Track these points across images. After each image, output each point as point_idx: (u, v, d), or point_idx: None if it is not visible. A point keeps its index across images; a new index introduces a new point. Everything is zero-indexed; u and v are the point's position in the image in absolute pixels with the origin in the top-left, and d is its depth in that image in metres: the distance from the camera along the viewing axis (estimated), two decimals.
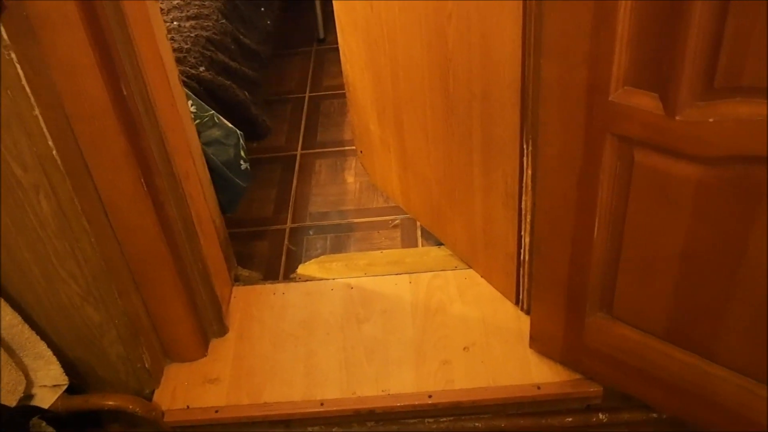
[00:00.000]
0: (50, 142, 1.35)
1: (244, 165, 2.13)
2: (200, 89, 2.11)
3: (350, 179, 2.54)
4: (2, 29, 1.20)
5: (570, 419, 1.72)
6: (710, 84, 1.10)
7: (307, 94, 3.04)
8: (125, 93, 1.45)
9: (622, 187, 1.32)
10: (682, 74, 1.11)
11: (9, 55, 1.23)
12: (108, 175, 1.50)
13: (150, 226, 1.60)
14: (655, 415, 1.70)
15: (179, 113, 1.70)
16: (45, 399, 1.61)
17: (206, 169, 1.90)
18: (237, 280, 2.08)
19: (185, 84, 1.98)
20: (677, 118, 1.15)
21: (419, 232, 2.25)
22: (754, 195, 1.16)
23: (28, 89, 1.28)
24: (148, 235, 1.62)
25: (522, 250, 1.73)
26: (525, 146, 1.53)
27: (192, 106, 1.95)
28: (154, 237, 1.63)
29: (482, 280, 1.96)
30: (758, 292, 1.25)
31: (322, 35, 3.38)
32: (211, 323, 1.87)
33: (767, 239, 1.19)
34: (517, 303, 1.87)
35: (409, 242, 2.25)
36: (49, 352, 1.61)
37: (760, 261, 1.21)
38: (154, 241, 1.63)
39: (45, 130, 1.34)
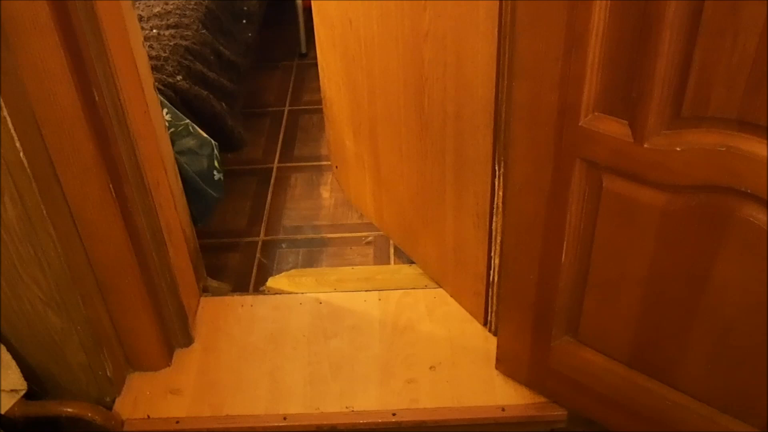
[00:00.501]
0: (17, 145, 1.33)
1: (217, 176, 2.11)
2: (176, 98, 2.10)
3: (326, 194, 2.54)
4: None
5: None
6: (678, 113, 1.11)
7: (286, 108, 3.04)
8: (97, 100, 1.43)
9: (590, 211, 1.33)
10: (651, 102, 1.12)
11: None
12: (76, 182, 1.49)
13: (117, 235, 1.59)
14: None
15: (152, 121, 1.69)
16: (2, 403, 1.58)
17: (178, 178, 1.89)
18: (206, 290, 2.06)
19: (161, 92, 1.97)
20: (645, 145, 1.16)
21: (392, 250, 2.25)
22: (718, 224, 1.17)
23: None
24: (115, 243, 1.60)
25: (492, 272, 1.73)
26: (497, 167, 1.54)
27: (167, 114, 1.94)
28: (121, 245, 1.61)
29: (452, 300, 1.95)
30: (720, 321, 1.26)
31: (304, 50, 3.39)
32: (176, 333, 1.85)
33: (730, 267, 1.20)
34: (485, 324, 1.87)
35: (381, 259, 2.24)
36: (8, 356, 1.58)
37: (723, 289, 1.22)
38: (121, 250, 1.62)
39: (13, 133, 1.32)
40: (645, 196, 1.23)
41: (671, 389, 1.42)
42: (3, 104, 1.29)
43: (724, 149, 1.09)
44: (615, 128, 1.19)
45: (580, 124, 1.22)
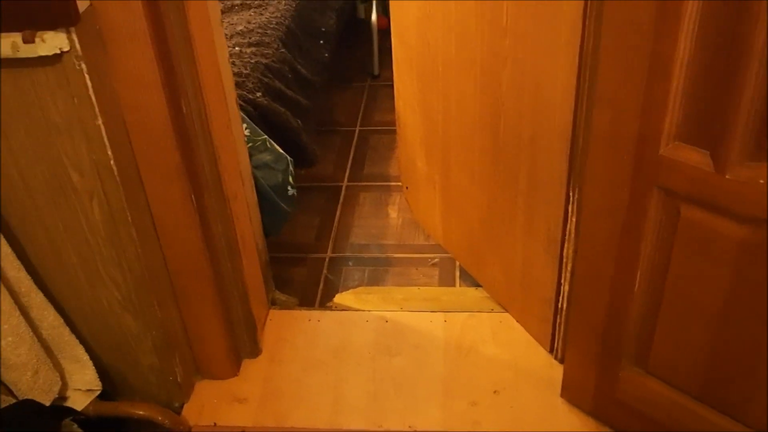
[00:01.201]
0: (109, 152, 1.39)
1: (291, 191, 2.16)
2: (255, 114, 2.15)
3: (393, 214, 2.56)
4: (75, 40, 1.25)
5: None
6: (762, 145, 1.10)
7: (357, 128, 3.08)
8: (184, 111, 1.49)
9: (665, 240, 1.31)
10: (735, 133, 1.11)
11: (80, 65, 1.28)
12: (159, 188, 1.55)
13: (195, 242, 1.64)
14: None
15: (233, 135, 1.75)
16: (78, 402, 1.63)
17: (254, 191, 1.94)
18: (274, 303, 2.10)
19: (241, 108, 2.03)
20: (727, 176, 1.15)
21: (457, 273, 2.25)
22: None
23: (93, 98, 1.32)
24: (192, 249, 1.65)
25: (560, 298, 1.72)
26: (571, 194, 1.54)
27: (246, 129, 1.99)
28: (198, 252, 1.66)
29: (517, 325, 1.95)
30: None
31: (377, 71, 3.43)
32: (244, 343, 1.89)
33: None
34: (551, 351, 1.86)
35: (446, 281, 2.24)
36: (86, 356, 1.64)
37: None
38: (197, 257, 1.67)
39: (105, 139, 1.38)
40: (724, 228, 1.21)
41: (740, 425, 1.39)
42: (98, 112, 1.35)
43: None
44: (696, 158, 1.18)
45: (660, 152, 1.22)
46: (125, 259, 1.54)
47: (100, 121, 1.35)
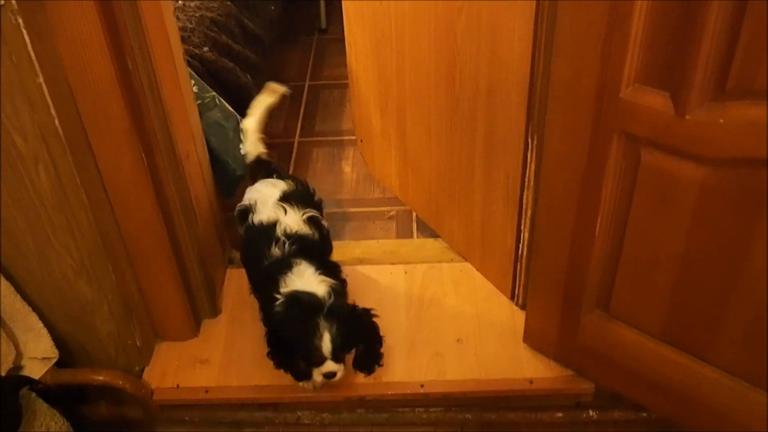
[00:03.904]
0: (53, 112, 1.33)
1: (243, 149, 2.11)
2: (203, 69, 2.10)
3: (347, 169, 2.53)
4: None
5: (560, 415, 1.73)
6: (722, 86, 1.10)
7: (306, 83, 3.03)
8: (131, 68, 1.43)
9: (626, 186, 1.32)
10: (695, 75, 1.11)
11: (16, 20, 1.22)
12: (109, 151, 1.49)
13: (148, 204, 1.60)
14: (644, 414, 1.70)
15: (182, 92, 1.69)
16: (34, 371, 1.59)
17: (206, 150, 1.89)
18: (231, 262, 2.07)
19: (188, 63, 1.96)
20: (687, 117, 1.15)
21: (415, 225, 2.25)
22: (758, 199, 1.16)
23: (33, 56, 1.26)
24: (146, 212, 1.61)
25: (520, 245, 1.73)
26: (530, 140, 1.53)
27: (194, 86, 1.93)
28: (152, 215, 1.62)
29: (478, 274, 1.96)
30: (758, 296, 1.25)
31: (324, 25, 3.37)
32: (203, 304, 1.87)
33: None
34: (512, 298, 1.87)
35: (404, 234, 2.24)
36: (40, 325, 1.60)
37: (762, 265, 1.22)
38: (151, 220, 1.62)
39: (48, 99, 1.32)
40: (684, 170, 1.22)
41: (703, 363, 1.42)
42: (39, 71, 1.29)
43: None
44: (656, 100, 1.18)
45: (620, 96, 1.21)
46: (76, 225, 1.50)
47: (41, 80, 1.29)
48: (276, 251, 1.65)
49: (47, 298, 1.61)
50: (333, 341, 1.51)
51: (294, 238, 1.67)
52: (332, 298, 1.53)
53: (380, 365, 1.66)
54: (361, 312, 1.59)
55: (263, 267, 1.66)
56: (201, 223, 1.79)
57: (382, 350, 1.66)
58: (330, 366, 1.55)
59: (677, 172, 1.23)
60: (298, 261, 1.62)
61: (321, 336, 1.50)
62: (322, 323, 1.50)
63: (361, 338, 1.60)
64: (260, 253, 1.68)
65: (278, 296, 1.56)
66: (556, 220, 1.47)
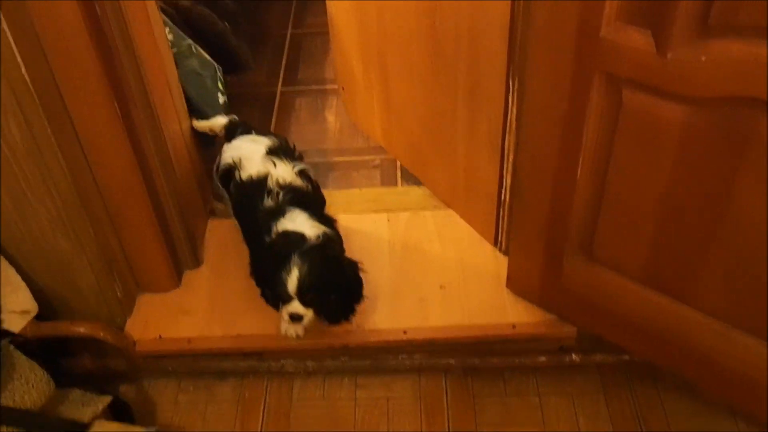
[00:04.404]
0: (19, 59, 1.30)
1: (221, 98, 2.08)
2: (178, 17, 2.05)
3: (330, 118, 2.50)
4: None
5: (543, 359, 1.74)
6: (704, 22, 1.07)
7: (289, 32, 2.98)
8: (99, 14, 1.39)
9: (607, 127, 1.30)
10: (676, 12, 1.08)
11: None
12: (82, 101, 1.46)
13: (124, 156, 1.57)
14: (627, 357, 1.71)
15: (156, 41, 1.65)
16: (14, 323, 1.58)
17: (183, 100, 1.86)
18: (212, 213, 2.05)
19: (162, 11, 1.91)
20: (669, 56, 1.12)
21: (399, 173, 2.23)
22: (741, 138, 1.15)
23: None
24: (122, 165, 1.59)
25: (503, 191, 1.72)
26: (511, 83, 1.51)
27: (169, 34, 1.89)
28: (128, 167, 1.59)
29: (461, 221, 1.95)
30: (740, 237, 1.25)
31: None
32: (185, 255, 1.85)
33: (751, 185, 1.18)
34: (495, 244, 1.87)
35: (388, 183, 2.22)
36: (18, 278, 1.58)
37: (745, 206, 1.21)
38: (128, 172, 1.60)
39: (14, 48, 1.28)
40: (666, 110, 1.20)
41: (684, 306, 1.42)
42: (2, 17, 1.25)
43: (752, 59, 1.06)
44: (637, 39, 1.15)
45: (600, 35, 1.18)
46: (51, 178, 1.47)
47: (4, 26, 1.24)
48: (269, 202, 1.64)
49: (25, 251, 1.59)
50: (300, 279, 1.49)
51: (287, 188, 1.66)
52: (319, 240, 1.51)
53: (348, 320, 1.64)
54: (345, 262, 1.58)
55: (257, 218, 1.65)
56: (180, 174, 1.77)
57: (357, 306, 1.64)
58: (295, 306, 1.53)
59: (659, 112, 1.21)
60: (291, 209, 1.61)
61: (290, 271, 1.48)
62: (295, 259, 1.48)
63: (337, 288, 1.58)
64: (253, 206, 1.67)
65: (267, 239, 1.55)
66: (538, 164, 1.45)
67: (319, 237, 1.53)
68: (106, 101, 1.47)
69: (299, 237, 1.53)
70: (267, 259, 1.55)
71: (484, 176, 1.74)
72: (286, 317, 1.56)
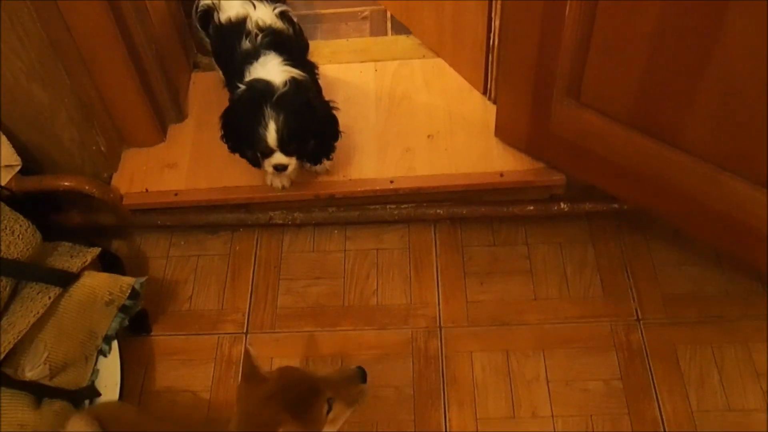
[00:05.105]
0: None
1: None
2: None
3: None
4: None
5: (531, 208, 1.72)
6: None
7: None
8: None
9: None
10: None
11: None
12: None
13: (96, 3, 1.50)
14: (616, 206, 1.70)
15: None
16: None
17: None
18: (196, 66, 2.00)
19: None
20: None
21: (389, 24, 2.15)
22: None
23: None
24: (95, 13, 1.52)
25: (492, 36, 1.66)
26: None
27: None
28: (101, 15, 1.53)
29: (450, 70, 1.89)
30: (729, 72, 1.20)
31: None
32: (168, 108, 1.82)
33: (741, 21, 1.12)
34: (484, 92, 1.82)
35: (378, 35, 2.15)
36: None
37: (734, 42, 1.15)
38: (101, 18, 1.54)
39: None
40: None
41: (672, 148, 1.39)
42: None
43: None
44: None
45: None
46: (21, 26, 1.43)
47: None
48: (247, 44, 1.58)
49: (3, 104, 1.56)
50: (278, 131, 1.46)
51: (266, 30, 1.60)
52: (286, 87, 1.47)
53: (329, 159, 1.63)
54: (317, 104, 1.54)
55: (235, 61, 1.59)
56: (157, 22, 1.71)
57: (336, 144, 1.61)
58: (278, 158, 1.51)
59: None
60: (267, 52, 1.56)
61: (266, 126, 1.45)
62: (269, 112, 1.45)
63: (315, 132, 1.55)
64: (232, 49, 1.61)
65: (241, 86, 1.51)
66: (525, 3, 1.38)
67: (286, 83, 1.48)
68: None
69: (266, 86, 1.48)
70: (238, 113, 1.51)
71: (473, 19, 1.67)
72: (270, 170, 1.54)
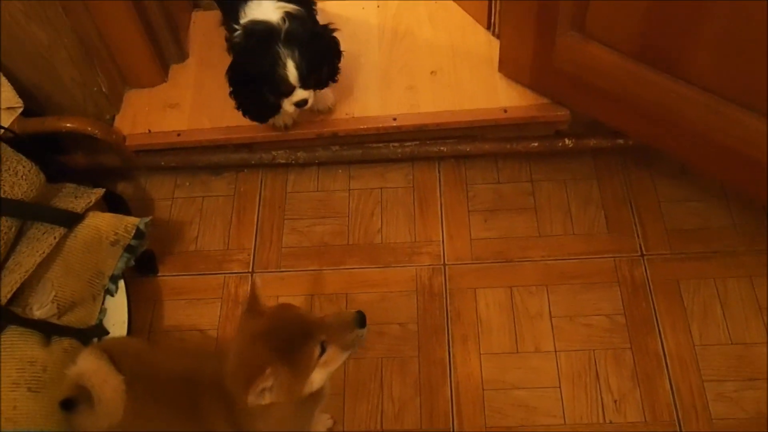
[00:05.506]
0: None
1: None
2: None
3: None
4: None
5: (535, 144, 1.71)
6: None
7: None
8: None
9: None
10: None
11: None
12: None
13: None
14: (621, 141, 1.69)
15: None
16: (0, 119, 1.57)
17: None
18: (197, 6, 1.97)
19: None
20: None
21: None
22: None
23: None
24: None
25: None
26: None
27: None
28: None
29: (454, 5, 1.86)
30: (734, 5, 1.17)
31: None
32: (169, 48, 1.80)
33: None
34: (488, 27, 1.79)
35: None
36: None
37: None
38: None
39: None
40: None
41: (677, 81, 1.37)
42: None
43: None
44: None
45: None
46: None
47: None
48: None
49: (2, 45, 1.55)
50: (298, 68, 1.44)
51: None
52: (287, 23, 1.44)
53: (335, 81, 1.61)
54: (320, 30, 1.52)
55: None
56: None
57: (339, 65, 1.59)
58: (300, 94, 1.50)
59: None
60: None
61: (285, 65, 1.43)
62: (283, 51, 1.42)
63: (326, 58, 1.53)
64: None
65: (237, 27, 1.48)
66: None
67: (284, 20, 1.45)
68: None
69: (270, 27, 1.45)
70: (247, 63, 1.49)
71: None
72: (290, 109, 1.53)
